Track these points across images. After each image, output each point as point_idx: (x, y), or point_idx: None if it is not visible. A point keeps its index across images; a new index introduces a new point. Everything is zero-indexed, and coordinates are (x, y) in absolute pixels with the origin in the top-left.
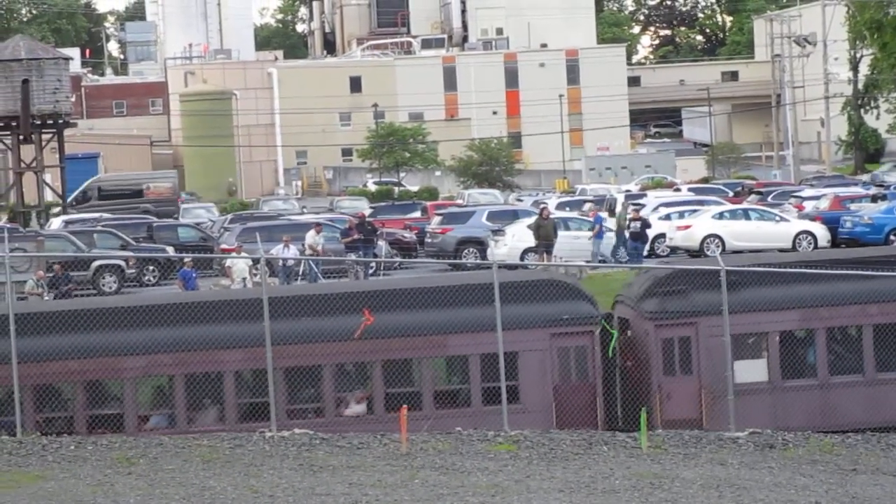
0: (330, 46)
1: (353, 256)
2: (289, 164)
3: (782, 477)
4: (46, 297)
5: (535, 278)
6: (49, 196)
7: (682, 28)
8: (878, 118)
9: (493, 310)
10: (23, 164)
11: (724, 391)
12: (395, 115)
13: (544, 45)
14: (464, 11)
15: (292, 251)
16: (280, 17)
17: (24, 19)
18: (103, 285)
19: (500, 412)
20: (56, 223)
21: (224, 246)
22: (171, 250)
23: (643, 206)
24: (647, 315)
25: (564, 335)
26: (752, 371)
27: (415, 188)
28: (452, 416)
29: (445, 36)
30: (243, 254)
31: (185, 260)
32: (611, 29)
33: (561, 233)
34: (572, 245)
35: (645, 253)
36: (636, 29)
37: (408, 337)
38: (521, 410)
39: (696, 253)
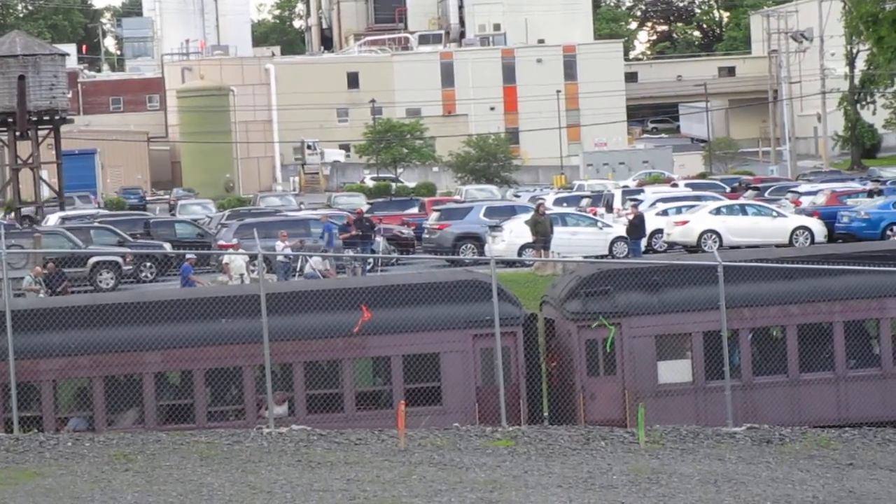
0: (327, 42)
1: (350, 252)
2: (287, 159)
3: (779, 472)
4: (42, 294)
5: (456, 279)
6: (46, 192)
7: (680, 24)
8: (874, 113)
9: (415, 311)
10: (19, 161)
11: (648, 391)
12: (392, 110)
13: (542, 41)
14: (461, 7)
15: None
16: (277, 13)
17: (21, 15)
18: (100, 282)
19: (422, 414)
20: (53, 219)
21: (221, 242)
22: (168, 247)
23: (640, 201)
24: (570, 316)
25: (487, 336)
26: (675, 372)
27: (412, 184)
28: (375, 416)
29: (443, 32)
30: (241, 250)
31: (188, 256)
32: (608, 25)
33: (557, 229)
34: (569, 241)
35: (643, 248)
36: (633, 25)
37: (328, 338)
38: (443, 412)
39: (694, 248)
